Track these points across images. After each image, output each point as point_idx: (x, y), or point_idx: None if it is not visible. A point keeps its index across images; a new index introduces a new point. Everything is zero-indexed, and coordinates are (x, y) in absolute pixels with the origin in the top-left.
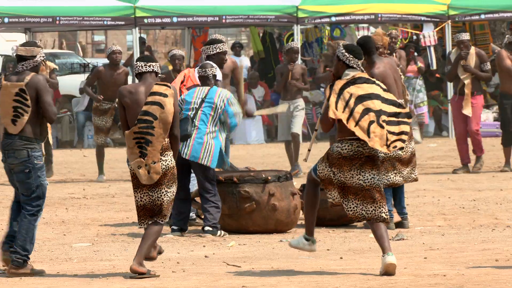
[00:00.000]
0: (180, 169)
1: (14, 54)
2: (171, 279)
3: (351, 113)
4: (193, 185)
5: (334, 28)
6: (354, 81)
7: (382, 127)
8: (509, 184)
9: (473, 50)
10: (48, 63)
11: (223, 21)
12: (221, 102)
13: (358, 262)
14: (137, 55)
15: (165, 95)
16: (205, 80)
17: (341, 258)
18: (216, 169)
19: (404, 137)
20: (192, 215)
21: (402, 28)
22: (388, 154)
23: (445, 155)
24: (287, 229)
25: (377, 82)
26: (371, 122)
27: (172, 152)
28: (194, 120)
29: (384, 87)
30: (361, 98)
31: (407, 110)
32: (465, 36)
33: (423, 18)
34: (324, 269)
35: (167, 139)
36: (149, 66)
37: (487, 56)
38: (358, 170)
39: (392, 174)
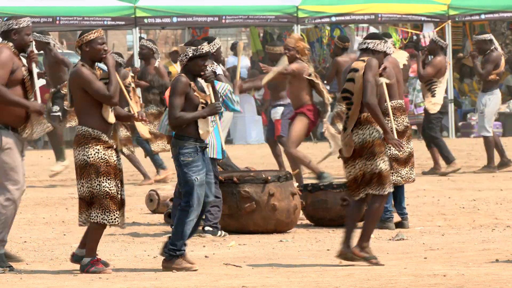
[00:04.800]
0: None
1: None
2: (171, 279)
3: None
4: None
5: (334, 28)
6: None
7: None
8: (509, 184)
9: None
10: None
11: (223, 21)
12: (221, 94)
13: (358, 262)
14: (137, 55)
15: (356, 70)
16: None
17: None
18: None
19: None
20: None
21: (402, 28)
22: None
23: None
24: (287, 229)
25: None
26: None
27: (370, 125)
28: None
29: None
30: None
31: None
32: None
33: (423, 18)
34: (324, 269)
35: (366, 114)
36: (364, 44)
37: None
38: None
39: None
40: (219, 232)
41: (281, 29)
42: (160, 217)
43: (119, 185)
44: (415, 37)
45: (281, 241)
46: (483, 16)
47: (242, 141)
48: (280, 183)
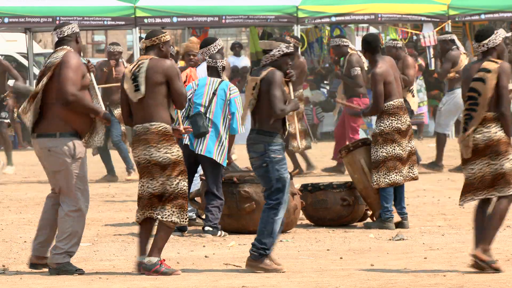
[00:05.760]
0: (188, 166)
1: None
2: (171, 279)
3: None
4: (194, 185)
5: (334, 28)
6: None
7: None
8: None
9: (348, 55)
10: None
11: (223, 21)
12: (229, 96)
13: (358, 262)
14: (137, 55)
15: (488, 71)
16: (214, 70)
17: (341, 258)
18: None
19: None
20: (192, 215)
21: (402, 28)
22: (390, 154)
23: (445, 155)
24: (287, 229)
25: None
26: None
27: (496, 124)
28: (208, 115)
29: None
30: None
31: None
32: (335, 42)
33: (423, 18)
34: (324, 269)
35: (491, 113)
36: (483, 46)
37: (354, 62)
38: None
39: (393, 174)
40: (219, 232)
41: (281, 29)
42: None
43: None
44: (415, 37)
45: (281, 241)
46: (483, 16)
47: (242, 141)
48: None
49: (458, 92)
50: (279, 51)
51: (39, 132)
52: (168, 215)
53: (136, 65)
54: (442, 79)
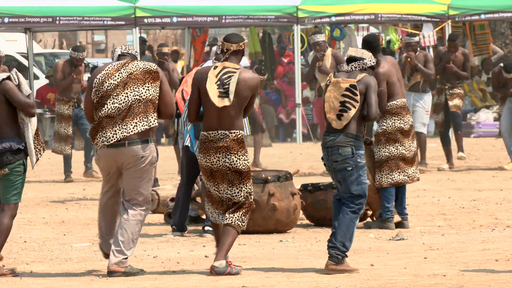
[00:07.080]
0: (192, 168)
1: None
2: (171, 279)
3: None
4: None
5: (334, 28)
6: None
7: None
8: (509, 184)
9: (329, 51)
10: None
11: (223, 21)
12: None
13: (358, 262)
14: (137, 55)
15: None
16: None
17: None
18: None
19: None
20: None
21: (402, 28)
22: (393, 153)
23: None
24: (287, 229)
25: None
26: None
27: None
28: None
29: None
30: None
31: None
32: (320, 37)
33: (423, 18)
34: (324, 269)
35: None
36: None
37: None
38: None
39: (395, 174)
40: None
41: (281, 29)
42: (160, 217)
43: None
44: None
45: (281, 241)
46: (483, 16)
47: None
48: (280, 183)
49: (429, 92)
50: (370, 61)
51: (132, 139)
52: (244, 220)
53: (223, 72)
54: (433, 78)
